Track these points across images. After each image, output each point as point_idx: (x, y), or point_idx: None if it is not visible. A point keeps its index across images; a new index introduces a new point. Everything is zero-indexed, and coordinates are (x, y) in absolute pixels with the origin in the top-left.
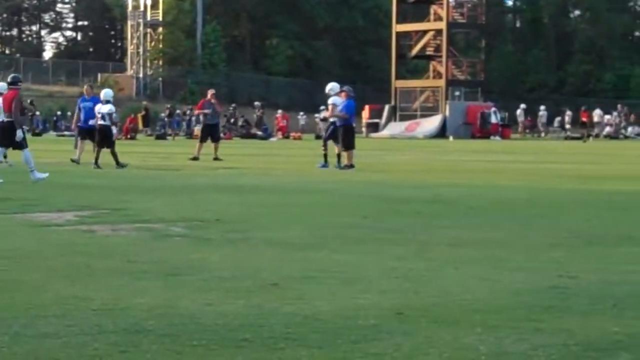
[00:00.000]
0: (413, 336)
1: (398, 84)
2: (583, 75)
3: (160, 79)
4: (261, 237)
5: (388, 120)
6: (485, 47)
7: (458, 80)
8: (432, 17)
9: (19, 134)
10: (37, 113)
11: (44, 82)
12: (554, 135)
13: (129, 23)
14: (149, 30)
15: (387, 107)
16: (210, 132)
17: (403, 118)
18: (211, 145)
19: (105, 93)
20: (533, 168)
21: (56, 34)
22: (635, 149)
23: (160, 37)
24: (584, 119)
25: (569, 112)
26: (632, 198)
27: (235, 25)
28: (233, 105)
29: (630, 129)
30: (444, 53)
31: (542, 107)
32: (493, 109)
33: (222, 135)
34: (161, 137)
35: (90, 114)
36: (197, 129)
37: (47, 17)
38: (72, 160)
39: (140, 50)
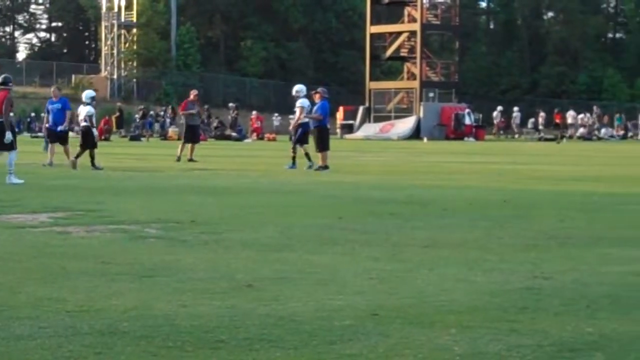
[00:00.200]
0: (388, 337)
1: (372, 85)
2: (556, 77)
3: (134, 80)
4: (236, 238)
5: (362, 122)
6: (459, 49)
7: (432, 82)
8: (406, 18)
9: (8, 135)
10: (11, 114)
11: (18, 83)
12: (527, 137)
13: (103, 24)
14: (123, 31)
15: (361, 109)
16: (193, 133)
17: (377, 119)
18: (188, 146)
19: (85, 94)
20: (507, 169)
21: (30, 35)
22: (608, 150)
23: (135, 38)
24: (558, 121)
25: (542, 114)
26: (605, 199)
27: (210, 26)
28: (206, 106)
29: (603, 130)
30: (418, 54)
31: (516, 109)
32: (467, 110)
33: None
34: (135, 138)
35: (58, 115)
36: (172, 130)
37: (20, 18)
38: (45, 166)
39: (115, 51)
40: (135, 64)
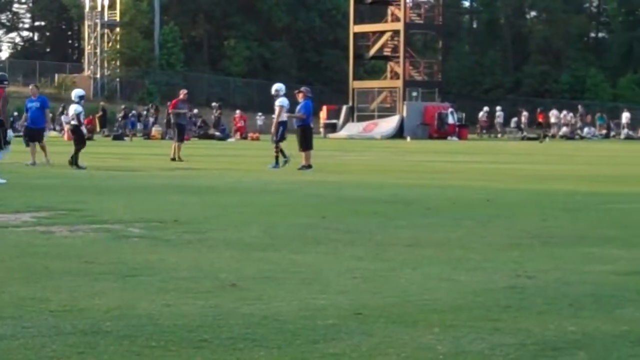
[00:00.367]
0: (371, 336)
1: (356, 84)
2: (539, 76)
3: (117, 79)
4: (220, 237)
5: (346, 121)
6: (442, 48)
7: (415, 81)
8: (389, 18)
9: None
10: None
11: None
12: (510, 136)
13: (86, 23)
14: (106, 30)
15: (344, 108)
16: (182, 132)
17: (361, 119)
18: (173, 145)
19: (74, 93)
20: (490, 168)
21: (13, 34)
22: (591, 149)
23: (118, 37)
24: (540, 120)
25: (525, 113)
26: (588, 198)
27: (193, 26)
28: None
29: (586, 129)
30: (401, 54)
31: (499, 108)
32: (450, 109)
33: None
34: (118, 137)
35: (37, 114)
36: (155, 130)
37: (3, 17)
38: (27, 165)
39: (98, 50)
40: (118, 63)
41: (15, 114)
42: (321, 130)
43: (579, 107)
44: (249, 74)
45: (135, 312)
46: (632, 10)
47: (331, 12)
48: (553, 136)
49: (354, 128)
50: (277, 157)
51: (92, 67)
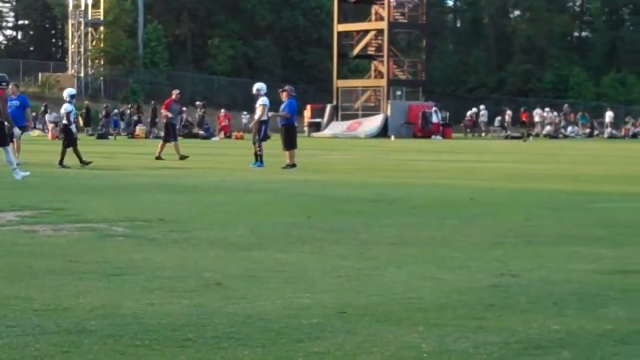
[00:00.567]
0: (356, 335)
1: (340, 83)
2: (523, 75)
3: (101, 78)
4: (204, 236)
5: (330, 120)
6: (426, 47)
7: (399, 80)
8: (373, 17)
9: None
10: None
11: None
12: (494, 135)
13: (70, 22)
14: (90, 29)
15: (328, 107)
16: (175, 131)
17: (345, 117)
18: (158, 144)
19: (65, 92)
20: (474, 167)
21: None
22: (574, 148)
23: (102, 36)
24: (524, 119)
25: (509, 112)
26: (572, 197)
27: (177, 24)
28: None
29: (569, 128)
30: (385, 53)
31: (482, 107)
32: (434, 108)
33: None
34: (102, 136)
35: (17, 113)
36: (139, 129)
37: None
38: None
39: (82, 49)
40: (102, 62)
41: None
42: (305, 129)
43: (565, 105)
44: (233, 73)
45: (119, 311)
46: (615, 10)
47: (315, 11)
48: (537, 135)
49: (338, 127)
50: (260, 156)
51: (76, 66)
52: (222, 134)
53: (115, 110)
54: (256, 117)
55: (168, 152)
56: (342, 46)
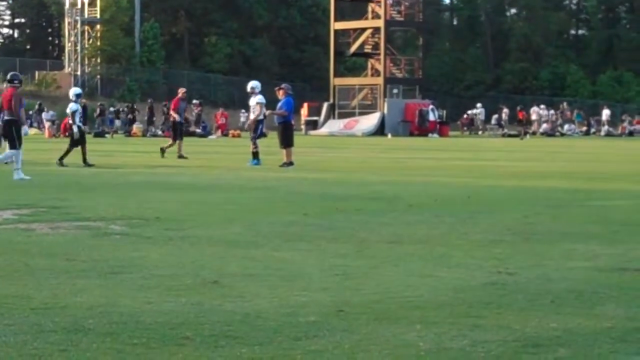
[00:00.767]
0: (353, 333)
1: (336, 81)
2: (519, 73)
3: (98, 76)
4: (201, 234)
5: (327, 118)
6: (422, 45)
7: (396, 78)
8: (370, 15)
9: (25, 129)
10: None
11: None
12: (491, 133)
13: (67, 20)
14: (86, 27)
15: (325, 105)
16: (176, 129)
17: (342, 116)
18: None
19: (70, 91)
20: (471, 165)
21: None
22: (571, 146)
23: (98, 34)
24: (520, 117)
25: (506, 110)
26: (569, 195)
27: (174, 23)
28: (164, 102)
29: (566, 126)
30: (382, 51)
31: (479, 105)
32: (431, 106)
33: (160, 132)
34: (99, 134)
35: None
36: (136, 127)
37: None
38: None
39: (78, 47)
40: (99, 60)
41: None
42: (302, 127)
43: (564, 103)
44: (230, 71)
45: (117, 309)
46: (611, 7)
47: (311, 9)
48: (534, 133)
49: (335, 125)
50: (256, 154)
51: (72, 64)
52: (219, 132)
53: (111, 109)
54: (254, 115)
55: (168, 151)
56: (339, 44)
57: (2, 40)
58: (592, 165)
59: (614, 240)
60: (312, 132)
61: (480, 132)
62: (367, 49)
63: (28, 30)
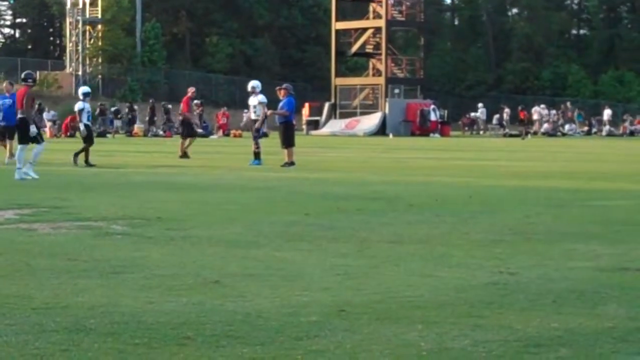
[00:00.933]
0: (355, 333)
1: (338, 81)
2: (521, 73)
3: (99, 76)
4: (202, 234)
5: (328, 118)
6: (424, 45)
7: (397, 78)
8: (371, 15)
9: (33, 129)
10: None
11: None
12: (493, 133)
13: (68, 20)
14: (87, 27)
15: (327, 105)
16: (190, 128)
17: (343, 115)
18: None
19: (79, 91)
20: (473, 165)
21: None
22: (573, 146)
23: (100, 34)
24: (522, 117)
25: (507, 110)
26: (570, 195)
27: (175, 23)
28: (162, 102)
29: (567, 126)
30: (383, 51)
31: (481, 105)
32: (432, 106)
33: (161, 133)
34: (101, 134)
35: (10, 111)
36: (137, 127)
37: None
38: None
39: (80, 47)
40: (100, 60)
41: None
42: (304, 127)
43: (567, 103)
44: (231, 71)
45: (118, 309)
46: (612, 7)
47: (313, 9)
48: (535, 133)
49: (336, 125)
50: (258, 154)
51: (73, 64)
52: (220, 132)
53: (112, 108)
54: (255, 115)
55: (169, 150)
56: (340, 44)
57: (3, 40)
58: (594, 165)
59: (615, 240)
60: (314, 132)
61: (481, 132)
62: (369, 49)
63: (29, 30)
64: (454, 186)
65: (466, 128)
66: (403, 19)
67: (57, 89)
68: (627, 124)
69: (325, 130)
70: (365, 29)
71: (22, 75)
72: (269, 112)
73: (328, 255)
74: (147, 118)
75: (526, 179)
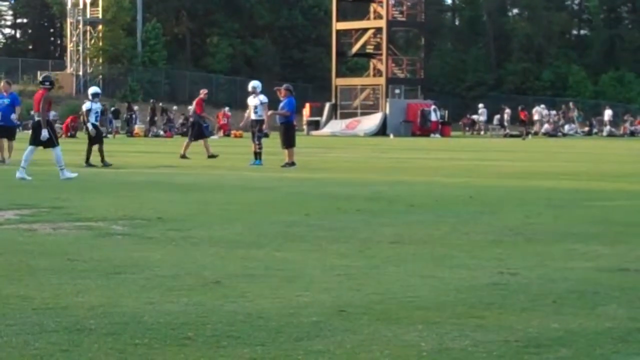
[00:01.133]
0: (355, 333)
1: (338, 81)
2: (521, 73)
3: (100, 77)
4: (203, 235)
5: (329, 118)
6: (424, 45)
7: (398, 78)
8: (372, 15)
9: (44, 133)
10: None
11: None
12: (493, 133)
13: (69, 21)
14: (88, 27)
15: (327, 105)
16: (201, 129)
17: (344, 116)
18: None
19: (89, 91)
20: (473, 165)
21: None
22: (573, 146)
23: (100, 34)
24: (522, 118)
25: (508, 110)
26: (570, 195)
27: (176, 23)
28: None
29: (567, 127)
30: (384, 51)
31: (481, 105)
32: (433, 106)
33: (162, 133)
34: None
35: (7, 111)
36: (138, 127)
37: None
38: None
39: (80, 48)
40: (100, 60)
41: None
42: (304, 127)
43: (570, 103)
44: (231, 71)
45: (119, 309)
46: (613, 8)
47: (313, 9)
48: (535, 133)
49: (337, 125)
50: (259, 154)
51: (74, 64)
52: (221, 133)
53: (112, 109)
54: (255, 115)
55: (170, 151)
56: (341, 44)
57: (4, 41)
58: (594, 166)
59: (616, 240)
60: (314, 133)
61: (482, 133)
62: (369, 49)
63: (30, 31)
64: (454, 186)
65: (467, 128)
66: (404, 19)
67: (58, 90)
68: (627, 124)
69: (325, 130)
70: (365, 30)
71: (40, 78)
72: (270, 112)
73: (328, 255)
74: (147, 118)
75: (527, 179)
